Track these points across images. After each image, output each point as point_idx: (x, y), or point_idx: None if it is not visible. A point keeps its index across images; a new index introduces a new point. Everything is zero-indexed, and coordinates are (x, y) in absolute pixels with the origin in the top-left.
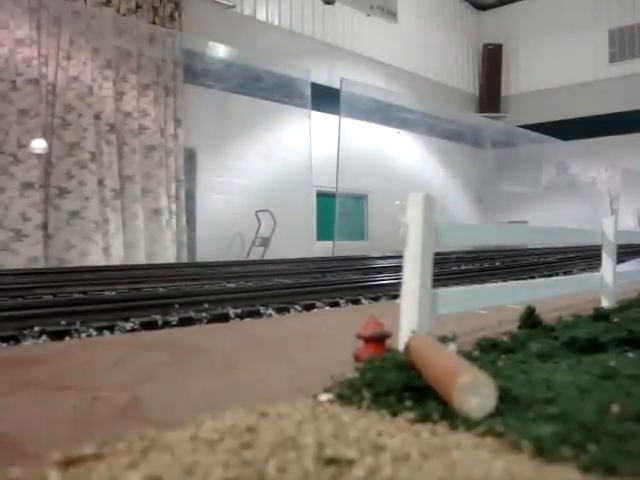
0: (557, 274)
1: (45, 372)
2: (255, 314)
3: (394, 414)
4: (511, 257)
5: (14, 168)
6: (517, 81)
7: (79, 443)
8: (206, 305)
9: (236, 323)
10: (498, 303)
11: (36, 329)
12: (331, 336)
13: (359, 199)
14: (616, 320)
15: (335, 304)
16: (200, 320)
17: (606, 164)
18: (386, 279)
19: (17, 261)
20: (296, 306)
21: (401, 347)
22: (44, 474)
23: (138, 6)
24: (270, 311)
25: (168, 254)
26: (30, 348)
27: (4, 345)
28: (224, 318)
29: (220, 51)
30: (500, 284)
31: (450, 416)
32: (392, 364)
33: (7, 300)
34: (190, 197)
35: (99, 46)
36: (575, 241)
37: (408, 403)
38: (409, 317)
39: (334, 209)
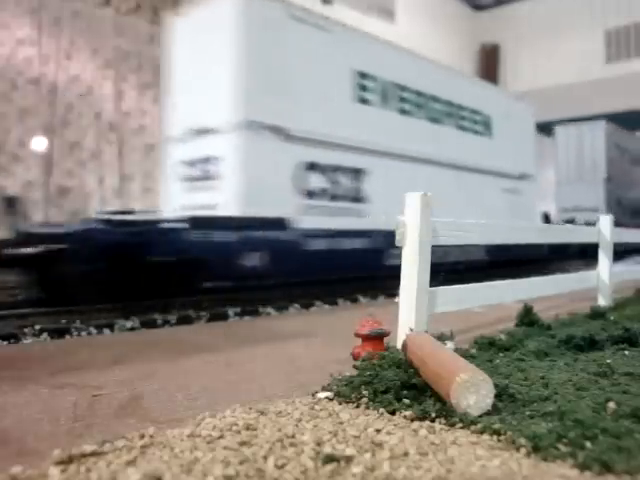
0: None
1: (46, 370)
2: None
3: (392, 412)
4: None
5: (15, 166)
6: (514, 81)
7: (80, 440)
8: (205, 304)
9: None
10: (495, 301)
11: (37, 327)
12: None
13: None
14: (612, 318)
15: None
16: (199, 318)
17: None
18: None
19: None
20: None
21: (399, 345)
22: (45, 471)
23: (138, 6)
24: None
25: None
26: (31, 346)
27: (5, 343)
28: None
29: None
30: (497, 282)
31: (448, 414)
32: (390, 362)
33: None
34: None
35: (99, 46)
36: (572, 239)
37: (406, 401)
38: (407, 315)
39: None
